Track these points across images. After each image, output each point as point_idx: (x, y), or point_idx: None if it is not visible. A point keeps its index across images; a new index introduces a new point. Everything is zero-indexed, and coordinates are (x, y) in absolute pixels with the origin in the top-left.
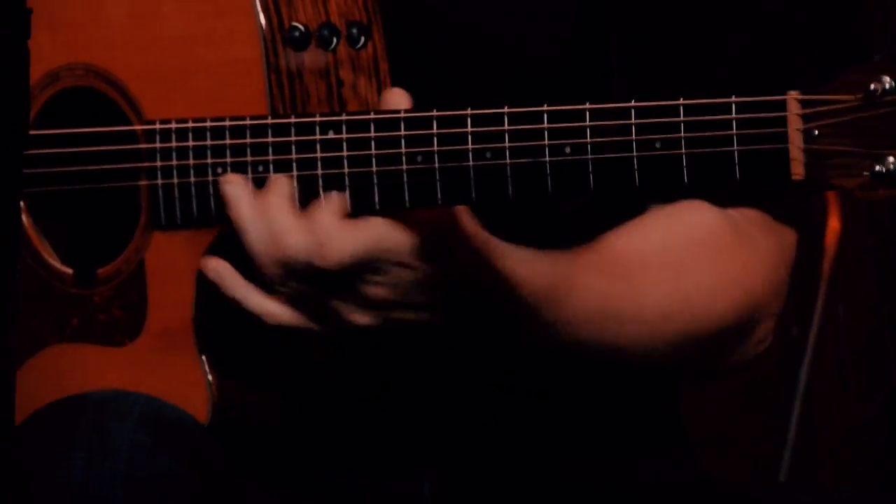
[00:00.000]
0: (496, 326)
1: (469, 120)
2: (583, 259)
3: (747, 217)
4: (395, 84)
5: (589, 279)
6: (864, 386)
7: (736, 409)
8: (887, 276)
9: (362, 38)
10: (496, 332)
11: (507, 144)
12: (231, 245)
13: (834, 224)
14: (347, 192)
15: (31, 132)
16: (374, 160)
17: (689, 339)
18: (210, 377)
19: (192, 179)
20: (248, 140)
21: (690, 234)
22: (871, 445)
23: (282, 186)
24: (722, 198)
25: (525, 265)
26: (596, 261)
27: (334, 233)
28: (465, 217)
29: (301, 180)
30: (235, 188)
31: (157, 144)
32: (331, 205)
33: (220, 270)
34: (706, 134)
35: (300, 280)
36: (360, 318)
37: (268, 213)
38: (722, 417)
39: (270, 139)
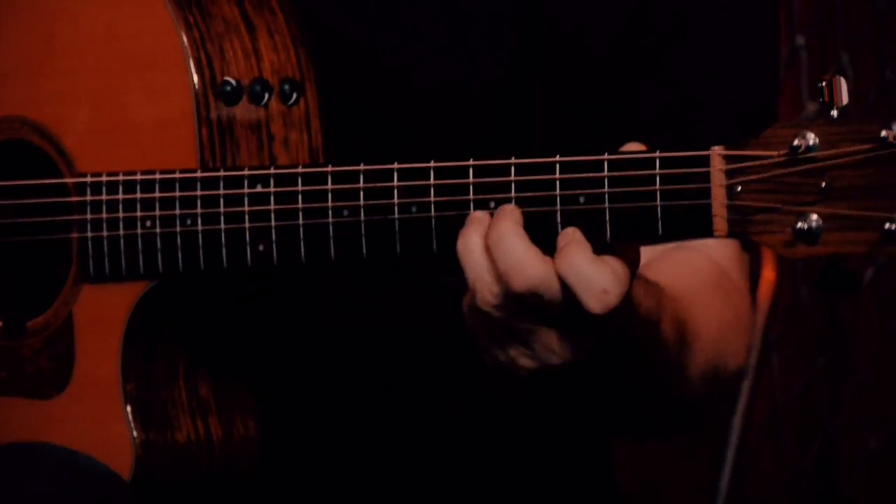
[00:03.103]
0: (625, 354)
1: (396, 174)
2: (660, 289)
3: (726, 257)
4: (326, 140)
5: (668, 307)
6: (797, 437)
7: (669, 458)
8: (821, 326)
9: (294, 95)
10: (624, 360)
11: (432, 199)
12: (162, 299)
13: (768, 275)
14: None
15: None
16: (300, 214)
17: (726, 370)
18: (135, 432)
19: (122, 232)
20: (178, 193)
21: (705, 276)
22: (804, 496)
23: (513, 214)
24: None
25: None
26: (667, 292)
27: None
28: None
29: (228, 234)
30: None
31: (88, 197)
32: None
33: None
34: (630, 189)
35: (520, 314)
36: (569, 354)
37: (502, 245)
38: (655, 467)
39: (199, 192)
